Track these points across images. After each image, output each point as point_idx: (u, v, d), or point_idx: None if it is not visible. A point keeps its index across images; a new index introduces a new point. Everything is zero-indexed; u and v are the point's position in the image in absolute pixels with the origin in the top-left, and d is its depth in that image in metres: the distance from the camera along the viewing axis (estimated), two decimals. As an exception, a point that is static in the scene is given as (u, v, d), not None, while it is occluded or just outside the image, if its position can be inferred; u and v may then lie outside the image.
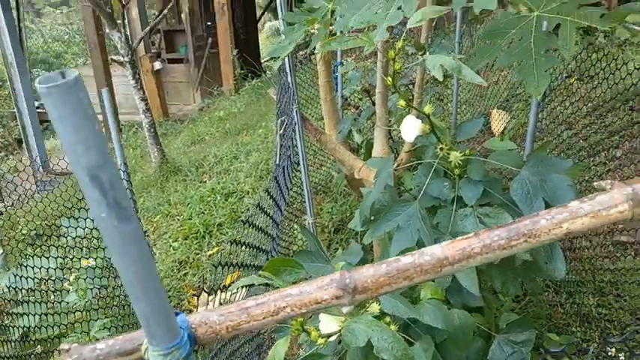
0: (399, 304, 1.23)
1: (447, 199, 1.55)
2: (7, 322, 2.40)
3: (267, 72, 11.02)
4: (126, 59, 6.00)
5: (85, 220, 2.81)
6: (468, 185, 1.50)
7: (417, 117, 1.55)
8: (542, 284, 2.69)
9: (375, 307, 1.25)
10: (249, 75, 10.47)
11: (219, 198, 5.14)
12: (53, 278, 2.62)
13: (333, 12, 1.67)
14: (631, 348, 0.75)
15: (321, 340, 1.08)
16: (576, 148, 3.46)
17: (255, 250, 1.85)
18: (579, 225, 0.64)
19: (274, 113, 2.81)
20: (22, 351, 2.29)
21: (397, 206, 1.51)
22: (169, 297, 3.66)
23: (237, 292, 1.72)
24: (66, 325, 2.44)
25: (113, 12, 5.88)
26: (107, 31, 6.02)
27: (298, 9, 1.82)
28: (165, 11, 7.05)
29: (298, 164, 2.86)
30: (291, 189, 2.84)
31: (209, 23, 11.10)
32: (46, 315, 2.42)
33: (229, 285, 1.57)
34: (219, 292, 1.69)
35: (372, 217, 1.62)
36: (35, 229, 4.32)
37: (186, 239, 4.59)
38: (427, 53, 1.41)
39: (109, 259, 2.88)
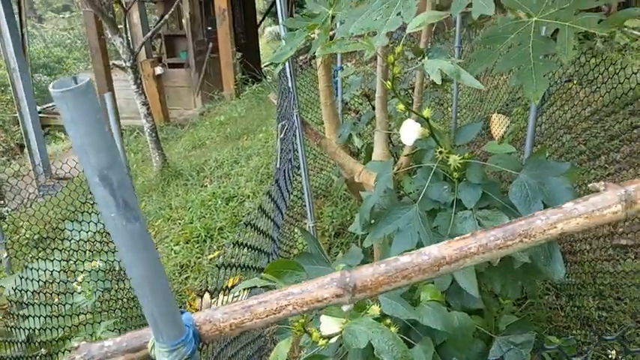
0: (399, 305, 1.25)
1: (446, 202, 1.56)
2: (12, 324, 2.42)
3: (268, 77, 11.06)
4: (128, 64, 6.03)
5: (88, 223, 2.83)
6: (467, 188, 1.52)
7: (417, 121, 1.57)
8: (542, 287, 2.71)
9: (375, 309, 1.27)
10: (250, 80, 10.51)
11: (220, 202, 5.16)
12: (58, 281, 2.65)
13: (333, 17, 1.69)
14: (626, 346, 0.76)
15: (322, 342, 1.10)
16: (576, 152, 3.48)
17: (256, 252, 1.87)
18: (574, 225, 0.66)
19: (275, 117, 2.83)
20: (27, 353, 2.30)
21: (397, 209, 1.52)
22: (171, 301, 3.66)
23: (239, 295, 1.73)
24: (70, 328, 2.45)
25: (115, 17, 5.92)
26: (109, 36, 6.05)
27: (298, 14, 1.84)
28: (167, 16, 7.09)
29: (299, 168, 2.88)
30: (291, 193, 2.86)
31: (210, 28, 11.15)
32: (51, 317, 2.44)
33: (231, 287, 1.59)
34: (221, 295, 1.70)
35: (372, 221, 1.63)
36: (39, 233, 4.34)
37: (187, 243, 4.61)
38: (426, 58, 1.42)
39: (112, 262, 2.91)
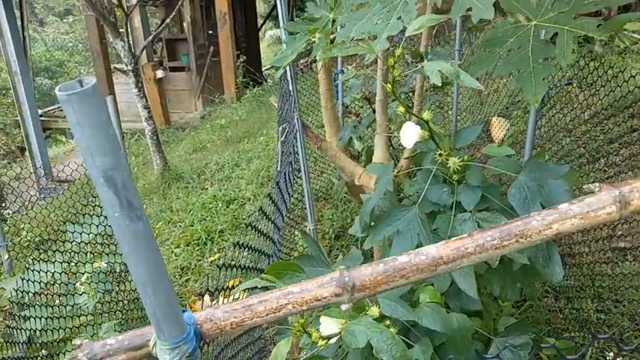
0: (398, 307, 1.26)
1: (445, 204, 1.57)
2: (13, 325, 2.43)
3: (269, 80, 11.09)
4: (129, 67, 6.05)
5: (89, 225, 2.85)
6: (467, 191, 1.53)
7: (417, 123, 1.58)
8: (541, 290, 2.71)
9: (374, 311, 1.28)
10: (251, 83, 10.54)
11: (220, 205, 5.17)
12: (59, 282, 2.66)
13: (334, 21, 1.70)
14: (619, 344, 0.77)
15: (321, 342, 1.11)
16: (576, 155, 3.49)
17: (257, 253, 1.88)
18: (569, 226, 0.67)
19: (275, 121, 2.84)
20: (28, 354, 2.31)
21: (397, 211, 1.53)
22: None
23: (238, 297, 1.74)
24: (71, 329, 2.47)
25: (117, 21, 5.95)
26: (111, 39, 6.08)
27: (299, 18, 1.85)
28: (168, 20, 7.11)
29: (299, 171, 2.89)
30: (292, 195, 2.87)
31: (211, 32, 11.19)
32: (52, 319, 2.45)
33: (231, 289, 1.60)
34: (221, 297, 1.71)
35: (372, 223, 1.64)
36: (40, 235, 4.36)
37: (187, 245, 4.62)
38: (426, 61, 1.44)
39: (114, 263, 2.92)
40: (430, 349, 1.28)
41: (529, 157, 2.56)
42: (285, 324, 1.31)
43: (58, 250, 2.74)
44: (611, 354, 1.76)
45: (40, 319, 2.40)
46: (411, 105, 2.80)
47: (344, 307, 0.68)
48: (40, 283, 2.55)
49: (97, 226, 2.89)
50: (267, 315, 0.66)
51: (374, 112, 2.82)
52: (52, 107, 12.55)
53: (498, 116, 4.51)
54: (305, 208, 2.99)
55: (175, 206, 5.48)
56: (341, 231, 4.05)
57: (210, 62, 11.19)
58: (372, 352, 1.03)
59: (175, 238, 4.80)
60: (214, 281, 1.57)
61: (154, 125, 6.52)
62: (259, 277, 1.20)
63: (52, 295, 2.70)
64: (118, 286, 2.95)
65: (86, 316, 2.60)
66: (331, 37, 1.71)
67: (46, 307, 2.47)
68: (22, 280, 2.43)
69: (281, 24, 2.38)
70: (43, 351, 2.37)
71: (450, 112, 4.74)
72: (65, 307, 2.57)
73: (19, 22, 8.99)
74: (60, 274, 2.63)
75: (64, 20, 23.31)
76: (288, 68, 2.47)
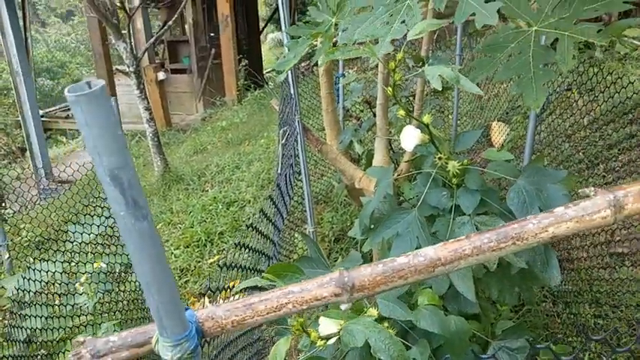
0: (396, 307, 1.27)
1: (445, 207, 1.59)
2: (13, 323, 2.44)
3: (270, 83, 11.12)
4: (131, 69, 6.07)
5: (90, 226, 2.86)
6: (466, 194, 1.54)
7: (417, 127, 1.59)
8: (539, 294, 2.72)
9: (373, 312, 1.29)
10: (252, 86, 10.57)
11: (220, 207, 5.19)
12: (59, 282, 2.67)
13: (336, 25, 1.71)
14: (612, 345, 0.78)
15: (320, 342, 1.12)
16: (575, 160, 3.50)
17: (257, 254, 1.89)
18: (564, 229, 0.68)
19: (276, 123, 2.86)
20: (27, 353, 2.32)
21: (396, 214, 1.54)
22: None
23: (237, 297, 1.75)
24: (71, 329, 2.48)
25: (119, 23, 5.97)
26: (113, 41, 6.10)
27: (301, 21, 1.87)
28: (171, 22, 7.14)
29: (299, 174, 2.90)
30: (292, 197, 2.88)
31: (212, 34, 11.23)
32: (52, 318, 2.46)
33: (230, 289, 1.61)
34: (220, 298, 1.72)
35: (372, 226, 1.65)
36: (40, 235, 4.37)
37: (187, 247, 4.63)
38: (427, 65, 1.45)
39: (114, 264, 2.93)
40: (427, 350, 1.29)
41: (528, 162, 2.57)
42: (284, 324, 1.32)
43: (59, 249, 2.76)
44: None
45: (41, 318, 2.41)
46: (411, 109, 2.82)
47: (343, 306, 0.69)
48: (40, 282, 2.57)
49: (98, 226, 2.90)
50: (267, 314, 0.67)
51: (374, 115, 2.83)
52: (53, 108, 12.58)
53: (498, 121, 4.52)
54: (305, 211, 3.00)
55: (175, 208, 5.50)
56: (340, 234, 4.06)
57: (212, 64, 11.22)
58: (370, 352, 1.04)
59: (175, 239, 4.82)
60: (214, 282, 1.58)
61: (155, 127, 6.54)
62: (260, 277, 1.22)
63: (53, 295, 2.71)
64: (117, 286, 2.97)
65: (86, 315, 2.61)
66: (333, 40, 1.72)
67: (46, 306, 2.48)
68: (24, 278, 2.45)
69: (283, 28, 2.40)
70: (42, 350, 2.38)
71: (450, 117, 4.75)
72: (65, 306, 2.59)
73: (21, 23, 9.02)
74: (61, 273, 2.64)
75: (69, 22, 23.38)
76: (289, 72, 2.49)
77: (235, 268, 1.62)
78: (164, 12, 11.85)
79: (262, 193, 5.30)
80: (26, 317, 2.39)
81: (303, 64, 8.42)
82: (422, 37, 2.60)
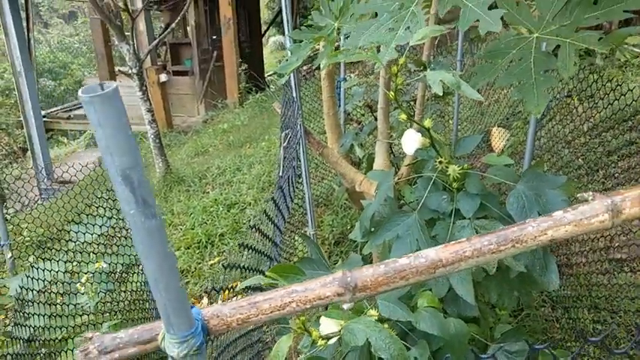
0: (397, 308, 1.28)
1: (445, 211, 1.60)
2: (15, 321, 2.45)
3: (271, 86, 11.15)
4: (134, 71, 6.10)
5: (93, 226, 2.87)
6: (466, 198, 1.55)
7: (418, 131, 1.61)
8: (538, 299, 2.73)
9: (373, 313, 1.30)
10: (254, 88, 10.60)
11: (221, 209, 5.20)
12: (61, 282, 2.68)
13: (339, 30, 1.73)
14: (608, 348, 0.79)
15: (321, 342, 1.13)
16: (574, 166, 3.52)
17: (258, 255, 1.90)
18: (563, 232, 0.70)
19: (278, 126, 2.88)
20: (28, 352, 2.33)
21: (397, 217, 1.56)
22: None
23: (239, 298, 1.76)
24: (73, 328, 2.49)
25: (122, 25, 6.00)
26: (116, 43, 6.13)
27: (303, 25, 1.88)
28: (174, 25, 7.16)
29: (300, 176, 2.92)
30: (293, 200, 2.90)
31: (214, 37, 11.26)
32: (54, 317, 2.48)
33: (231, 289, 1.62)
34: (219, 299, 1.73)
35: (372, 229, 1.67)
36: (42, 234, 4.38)
37: (188, 249, 4.64)
38: (428, 70, 1.46)
39: (115, 264, 2.95)
40: (427, 352, 1.30)
41: (528, 167, 2.59)
42: (285, 324, 1.33)
43: (62, 249, 2.77)
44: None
45: (43, 316, 2.42)
46: (412, 113, 2.83)
47: (345, 306, 0.70)
48: (43, 281, 2.58)
49: (100, 226, 2.92)
50: (271, 312, 0.68)
51: (375, 119, 2.85)
52: (55, 108, 12.62)
53: (498, 126, 4.54)
54: (305, 214, 3.02)
55: (176, 209, 5.51)
56: (341, 237, 4.08)
57: (214, 67, 11.25)
58: (370, 353, 1.06)
59: (176, 240, 4.83)
60: (216, 284, 1.60)
61: (157, 128, 6.56)
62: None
63: (55, 294, 2.72)
64: (119, 286, 2.98)
65: (88, 315, 2.63)
66: (335, 44, 1.74)
67: (49, 305, 2.50)
68: (28, 277, 2.46)
69: (286, 31, 2.42)
70: (42, 349, 2.39)
71: (450, 122, 4.77)
72: (68, 305, 2.60)
73: (24, 24, 9.06)
74: (63, 273, 2.66)
75: (71, 23, 23.45)
76: (291, 75, 2.50)
77: (238, 269, 1.63)
78: (166, 14, 11.90)
79: (263, 196, 5.31)
80: (28, 315, 2.41)
81: (304, 68, 8.45)
82: (423, 43, 2.62)
